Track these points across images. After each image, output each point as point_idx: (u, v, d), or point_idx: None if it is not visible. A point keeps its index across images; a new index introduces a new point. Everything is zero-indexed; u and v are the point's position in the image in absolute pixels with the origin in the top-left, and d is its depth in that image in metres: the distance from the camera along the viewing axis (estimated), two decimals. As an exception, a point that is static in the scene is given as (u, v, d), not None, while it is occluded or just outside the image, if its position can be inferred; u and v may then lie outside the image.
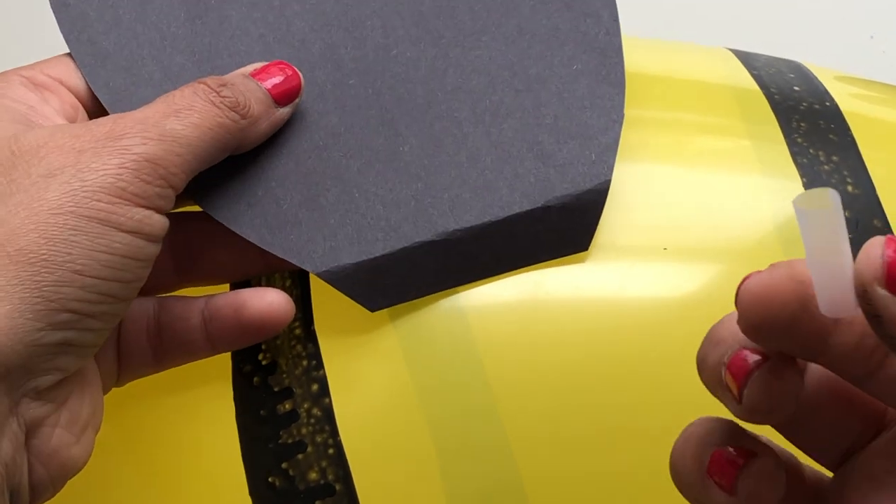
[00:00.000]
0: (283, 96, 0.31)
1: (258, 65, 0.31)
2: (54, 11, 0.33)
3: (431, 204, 0.31)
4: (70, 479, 0.27)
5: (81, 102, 0.31)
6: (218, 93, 0.28)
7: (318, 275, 0.30)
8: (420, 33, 0.33)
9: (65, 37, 0.32)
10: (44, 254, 0.24)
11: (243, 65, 0.32)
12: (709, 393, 0.23)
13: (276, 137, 0.31)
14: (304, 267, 0.30)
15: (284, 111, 0.31)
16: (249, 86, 0.30)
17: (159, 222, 0.27)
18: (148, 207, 0.26)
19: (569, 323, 0.31)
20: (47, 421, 0.25)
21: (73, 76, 0.31)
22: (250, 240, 0.30)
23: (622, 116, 0.32)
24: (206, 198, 0.31)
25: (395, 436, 0.30)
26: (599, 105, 0.32)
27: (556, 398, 0.30)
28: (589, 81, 0.32)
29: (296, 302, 0.32)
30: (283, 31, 0.33)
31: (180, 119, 0.27)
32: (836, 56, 0.60)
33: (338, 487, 0.30)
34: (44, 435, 0.25)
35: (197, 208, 0.31)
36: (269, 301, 0.29)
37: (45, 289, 0.24)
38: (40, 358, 0.24)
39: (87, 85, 0.31)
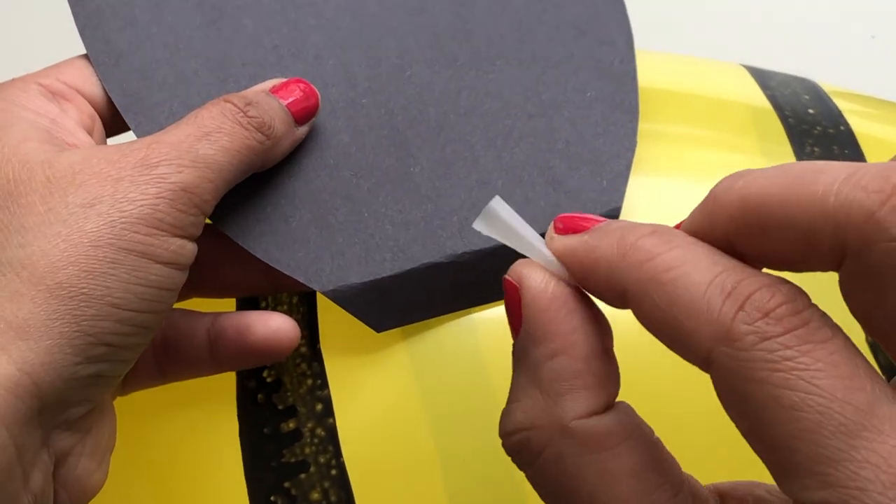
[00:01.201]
0: (302, 115, 0.30)
1: (277, 81, 0.31)
2: (71, 6, 0.32)
3: (441, 226, 0.31)
4: (89, 503, 0.27)
5: (97, 110, 0.31)
6: (245, 113, 0.28)
7: (325, 294, 0.30)
8: (435, 55, 0.33)
9: (80, 33, 0.32)
10: (83, 287, 0.23)
11: (256, 75, 0.32)
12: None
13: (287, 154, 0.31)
14: (310, 286, 0.30)
15: (303, 130, 0.31)
16: (272, 104, 0.29)
17: (191, 251, 0.27)
18: (183, 237, 0.26)
19: None
20: (74, 451, 0.25)
21: (89, 82, 0.31)
22: (257, 256, 0.30)
23: (634, 144, 0.32)
24: (216, 211, 0.30)
25: (400, 458, 0.30)
26: (612, 132, 0.32)
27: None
28: (602, 108, 0.32)
29: (302, 320, 0.32)
30: (297, 44, 0.33)
31: (211, 143, 0.27)
32: (836, 56, 0.59)
33: (340, 508, 0.30)
34: (70, 464, 0.25)
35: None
36: (276, 327, 0.29)
37: (83, 323, 0.23)
38: (75, 391, 0.24)
39: (103, 91, 0.31)
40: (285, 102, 0.30)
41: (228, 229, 0.30)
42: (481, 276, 0.31)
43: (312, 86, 0.31)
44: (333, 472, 0.30)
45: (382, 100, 0.32)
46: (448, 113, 0.32)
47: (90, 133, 0.29)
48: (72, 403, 0.24)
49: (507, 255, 0.31)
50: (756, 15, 0.63)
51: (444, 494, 0.29)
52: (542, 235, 0.22)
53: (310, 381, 0.31)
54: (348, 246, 0.30)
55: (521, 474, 0.29)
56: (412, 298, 0.31)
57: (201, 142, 0.26)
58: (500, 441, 0.29)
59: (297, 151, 0.31)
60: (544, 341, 0.20)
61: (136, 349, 0.26)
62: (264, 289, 0.32)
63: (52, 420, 0.24)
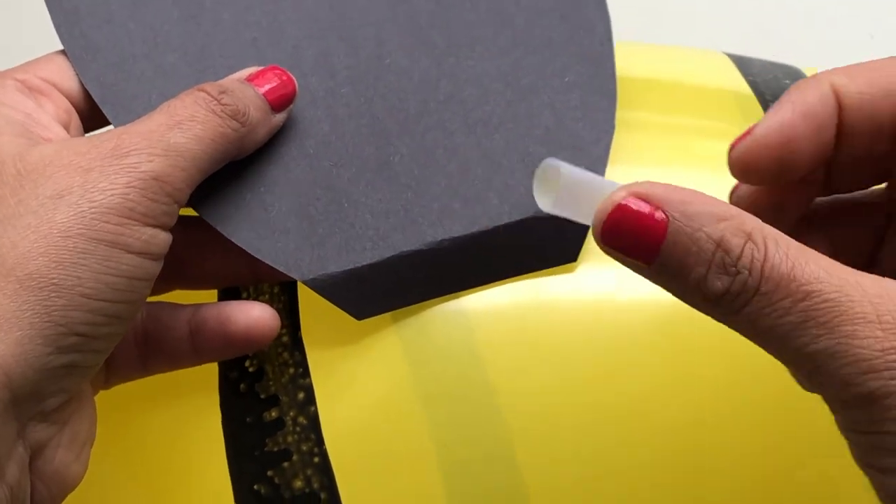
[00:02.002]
0: (279, 102, 0.30)
1: (253, 69, 0.31)
2: (47, 4, 0.32)
3: (420, 213, 0.31)
4: (69, 494, 0.27)
5: (74, 105, 0.31)
6: (219, 101, 0.28)
7: (306, 283, 0.30)
8: (414, 43, 0.33)
9: (56, 29, 0.32)
10: (53, 278, 0.23)
11: (235, 67, 0.32)
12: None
13: (266, 143, 0.31)
14: (291, 275, 0.30)
15: (280, 117, 0.31)
16: (247, 92, 0.29)
17: (164, 240, 0.27)
18: (154, 226, 0.26)
19: (571, 324, 0.31)
20: (51, 442, 0.25)
21: (66, 77, 0.31)
22: (238, 244, 0.30)
23: (613, 128, 0.32)
24: (197, 198, 0.30)
25: (382, 445, 0.30)
26: (591, 117, 0.32)
27: (560, 401, 0.30)
28: (581, 93, 0.32)
29: (283, 309, 0.32)
30: (276, 35, 0.33)
31: (183, 131, 0.27)
32: (836, 56, 0.59)
33: (323, 496, 0.30)
34: (47, 456, 0.25)
35: (187, 212, 0.31)
36: (256, 316, 0.29)
37: (53, 313, 0.23)
38: (48, 381, 0.24)
39: (80, 86, 0.31)
40: (261, 90, 0.30)
41: (209, 216, 0.30)
42: (461, 262, 0.31)
43: (289, 73, 0.31)
44: (316, 459, 0.30)
45: (362, 88, 0.32)
46: (427, 101, 0.32)
47: (67, 128, 0.29)
48: (46, 394, 0.24)
49: (486, 242, 0.31)
50: (754, 15, 0.63)
51: (428, 480, 0.29)
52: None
53: (291, 370, 0.31)
54: (328, 236, 0.31)
55: (507, 458, 0.29)
56: (392, 286, 0.31)
57: (173, 130, 0.26)
58: (480, 425, 0.30)
59: (277, 139, 0.31)
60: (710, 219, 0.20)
61: (110, 339, 0.26)
62: (246, 279, 0.32)
63: (27, 411, 0.24)
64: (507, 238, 0.31)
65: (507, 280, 0.31)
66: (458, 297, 0.32)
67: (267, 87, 0.30)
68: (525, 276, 0.31)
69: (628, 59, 0.35)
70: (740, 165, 0.24)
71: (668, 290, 0.22)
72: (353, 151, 0.32)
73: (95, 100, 0.31)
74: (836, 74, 0.24)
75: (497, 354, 0.31)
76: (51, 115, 0.29)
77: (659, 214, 0.21)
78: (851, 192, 0.27)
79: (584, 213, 0.23)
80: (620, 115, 0.33)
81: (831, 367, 0.19)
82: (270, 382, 0.31)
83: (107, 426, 0.31)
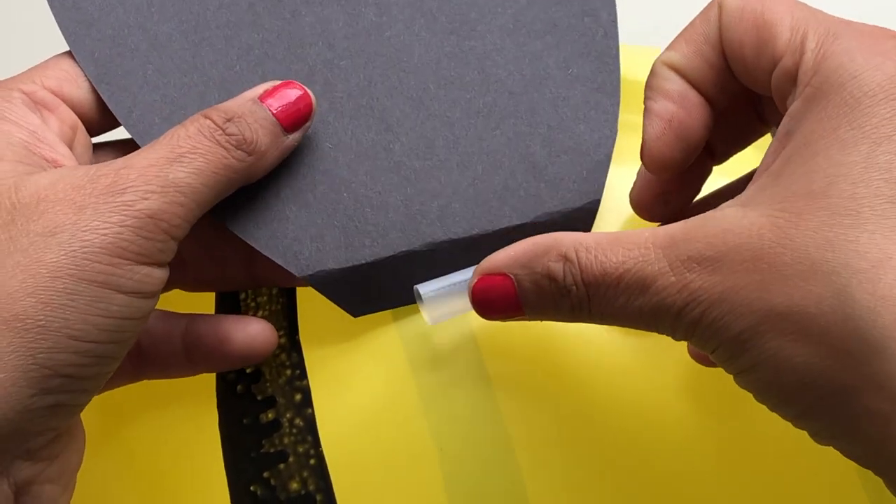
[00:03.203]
0: (293, 122, 0.29)
1: (269, 85, 0.29)
2: None
3: (420, 212, 0.31)
4: None
5: (82, 114, 0.30)
6: (224, 130, 0.27)
7: (303, 278, 0.30)
8: (414, 14, 0.32)
9: (49, 2, 0.31)
10: (40, 320, 0.23)
11: (231, 37, 0.31)
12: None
13: None
14: (288, 268, 0.30)
15: (294, 138, 0.29)
16: (258, 115, 0.28)
17: (159, 278, 0.26)
18: (149, 264, 0.25)
19: (570, 325, 0.31)
20: (38, 478, 0.25)
21: (74, 84, 0.30)
22: (235, 232, 0.30)
23: (615, 132, 0.31)
24: None
25: (378, 447, 0.30)
26: (593, 118, 0.31)
27: (560, 401, 0.30)
28: (584, 89, 0.32)
29: (281, 310, 0.32)
30: (273, 1, 0.32)
31: (184, 165, 0.26)
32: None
33: (318, 498, 0.29)
34: (34, 492, 0.25)
35: None
36: (253, 334, 0.29)
37: (38, 356, 0.23)
38: (32, 422, 0.23)
39: (88, 93, 0.30)
40: (275, 109, 0.28)
41: None
42: (460, 263, 0.31)
43: (307, 89, 0.29)
44: (312, 461, 0.30)
45: (361, 63, 0.31)
46: (427, 83, 0.32)
47: (71, 145, 0.29)
48: (31, 434, 0.24)
49: (484, 244, 0.31)
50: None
51: (423, 482, 0.29)
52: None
53: (289, 372, 0.31)
54: (327, 229, 0.30)
55: (505, 460, 0.29)
56: (389, 284, 0.30)
57: (173, 165, 0.25)
58: (474, 429, 0.29)
59: None
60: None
61: (99, 378, 0.25)
62: (244, 284, 0.32)
63: (11, 451, 0.24)
64: (507, 240, 0.31)
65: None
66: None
67: (281, 105, 0.28)
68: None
69: (632, 62, 0.35)
70: (659, 171, 0.27)
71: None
72: (353, 134, 0.31)
73: (91, 79, 0.30)
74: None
75: (496, 355, 0.31)
76: (56, 132, 0.28)
77: (505, 279, 0.25)
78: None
79: (463, 308, 0.29)
80: (623, 117, 0.33)
81: (665, 324, 0.23)
82: (268, 384, 0.31)
83: (103, 427, 0.31)
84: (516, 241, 0.31)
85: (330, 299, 0.30)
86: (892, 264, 0.20)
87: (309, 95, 0.29)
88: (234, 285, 0.32)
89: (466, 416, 0.30)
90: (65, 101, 0.29)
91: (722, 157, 0.30)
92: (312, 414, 0.30)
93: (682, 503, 0.30)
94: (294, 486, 0.30)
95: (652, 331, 0.23)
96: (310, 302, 0.31)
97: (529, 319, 0.25)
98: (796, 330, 0.20)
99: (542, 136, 0.31)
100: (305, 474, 0.30)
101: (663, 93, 0.27)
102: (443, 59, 0.32)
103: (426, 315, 0.29)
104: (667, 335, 0.23)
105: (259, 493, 0.30)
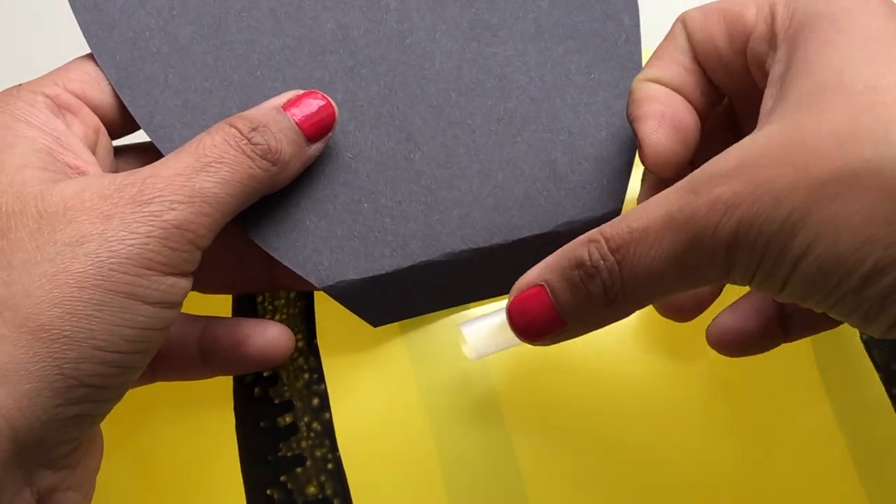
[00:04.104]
0: (316, 132, 0.29)
1: (292, 95, 0.29)
2: None
3: (440, 221, 0.30)
4: None
5: (104, 117, 0.30)
6: (249, 139, 0.26)
7: (323, 289, 0.30)
8: (436, 21, 0.32)
9: (71, 3, 0.31)
10: (66, 330, 0.23)
11: (253, 41, 0.31)
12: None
13: None
14: (309, 279, 0.30)
15: (316, 148, 0.29)
16: (282, 124, 0.28)
17: (184, 287, 0.26)
18: (175, 274, 0.25)
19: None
20: (60, 486, 0.25)
21: (96, 88, 0.29)
22: (255, 241, 0.30)
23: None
24: None
25: (395, 452, 0.30)
26: (615, 124, 0.31)
27: (563, 413, 0.31)
28: (606, 95, 0.31)
29: (299, 314, 0.32)
30: (294, 5, 0.31)
31: (210, 175, 0.25)
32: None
33: (336, 502, 0.30)
34: (56, 500, 0.25)
35: None
36: (270, 338, 0.29)
37: (65, 366, 0.23)
38: (56, 432, 0.23)
39: (110, 97, 0.30)
40: (298, 118, 0.28)
41: None
42: (480, 273, 0.31)
43: (330, 99, 0.29)
44: (330, 465, 0.30)
45: (382, 71, 0.31)
46: (448, 91, 0.31)
47: (94, 149, 0.28)
48: (54, 444, 0.24)
49: (503, 254, 0.31)
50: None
51: (440, 487, 0.30)
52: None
53: (306, 376, 0.31)
54: (347, 239, 0.30)
55: (519, 467, 0.30)
56: (410, 294, 0.30)
57: (199, 174, 0.25)
58: (496, 436, 0.30)
59: None
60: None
61: (122, 388, 0.25)
62: (263, 287, 0.32)
63: (35, 460, 0.24)
64: (527, 250, 0.31)
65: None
66: (468, 308, 0.32)
67: (304, 115, 0.28)
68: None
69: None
70: (661, 166, 0.27)
71: (590, 331, 0.25)
72: (373, 144, 0.31)
73: (112, 83, 0.30)
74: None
75: (501, 363, 0.31)
76: (79, 137, 0.28)
77: (538, 290, 0.24)
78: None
79: (507, 341, 0.28)
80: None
81: (706, 253, 0.22)
82: (285, 387, 0.31)
83: (120, 429, 0.31)
84: (537, 249, 0.31)
85: (350, 310, 0.30)
86: None
87: (332, 105, 0.29)
88: (252, 288, 0.32)
89: (470, 420, 0.30)
90: (87, 104, 0.29)
91: None
92: (330, 418, 0.30)
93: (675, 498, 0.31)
94: (311, 490, 0.30)
95: (695, 279, 0.22)
96: (328, 306, 0.31)
97: (574, 335, 0.25)
98: (847, 189, 0.20)
99: (563, 143, 0.31)
100: (323, 478, 0.30)
101: (648, 98, 0.27)
102: (464, 66, 0.31)
103: (470, 352, 0.29)
104: (709, 276, 0.22)
105: (276, 496, 0.30)
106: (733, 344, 0.28)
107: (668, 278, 0.22)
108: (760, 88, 0.25)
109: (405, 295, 0.30)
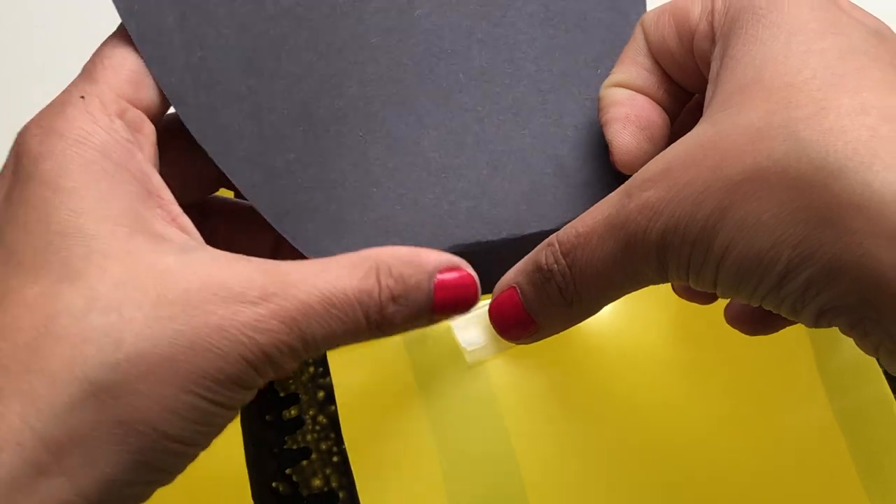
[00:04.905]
0: (441, 311, 0.26)
1: (453, 261, 0.26)
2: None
3: (449, 212, 0.30)
4: None
5: (151, 118, 0.27)
6: (382, 310, 0.24)
7: None
8: None
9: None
10: (161, 427, 0.22)
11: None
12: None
13: (293, 96, 0.29)
14: None
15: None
16: (420, 299, 0.25)
17: (254, 393, 0.25)
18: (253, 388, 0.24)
19: (574, 337, 0.32)
20: None
21: (143, 85, 0.27)
22: (267, 218, 0.28)
23: None
24: (217, 147, 0.28)
25: (401, 445, 0.30)
26: None
27: (561, 411, 0.31)
28: None
29: (305, 307, 0.32)
30: None
31: (323, 323, 0.23)
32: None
33: (342, 495, 0.30)
34: None
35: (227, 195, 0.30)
36: None
37: (149, 457, 0.22)
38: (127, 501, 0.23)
39: (156, 93, 0.27)
40: (438, 295, 0.25)
41: (240, 184, 0.28)
42: (483, 266, 0.30)
43: (478, 286, 0.26)
44: (335, 458, 0.30)
45: (393, 43, 0.30)
46: (458, 72, 0.31)
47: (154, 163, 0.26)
48: None
49: (509, 249, 0.31)
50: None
51: (444, 480, 0.30)
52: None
53: (312, 369, 0.31)
54: (357, 226, 0.29)
55: (518, 459, 0.30)
56: None
57: (311, 321, 0.23)
58: (498, 431, 0.30)
59: (306, 96, 0.29)
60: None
61: (188, 464, 0.25)
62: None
63: None
64: (532, 245, 0.30)
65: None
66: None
67: (447, 297, 0.25)
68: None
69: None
70: (632, 166, 0.26)
71: (561, 330, 0.26)
72: (384, 123, 0.30)
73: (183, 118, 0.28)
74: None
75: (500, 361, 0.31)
76: (151, 162, 0.25)
77: (510, 291, 0.26)
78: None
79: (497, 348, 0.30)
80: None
81: (640, 255, 0.22)
82: (290, 381, 0.31)
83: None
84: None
85: None
86: (832, 108, 0.20)
87: (475, 287, 0.26)
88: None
89: (473, 414, 0.30)
90: (142, 109, 0.26)
91: None
92: (335, 411, 0.30)
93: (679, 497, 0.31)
94: (317, 482, 0.30)
95: (637, 279, 0.23)
96: (333, 299, 0.31)
97: (547, 333, 0.25)
98: (757, 188, 0.20)
99: (569, 138, 0.31)
100: (328, 471, 0.30)
101: (613, 103, 0.27)
102: (473, 47, 0.31)
103: (467, 357, 0.30)
104: (647, 276, 0.23)
105: (281, 489, 0.30)
106: (750, 321, 0.28)
107: (615, 279, 0.23)
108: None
109: None
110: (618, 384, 0.31)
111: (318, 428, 0.30)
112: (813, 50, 0.22)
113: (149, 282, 0.23)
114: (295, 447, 0.30)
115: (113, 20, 0.29)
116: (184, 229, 0.25)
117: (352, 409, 0.31)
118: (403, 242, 0.30)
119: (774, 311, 0.22)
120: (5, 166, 0.25)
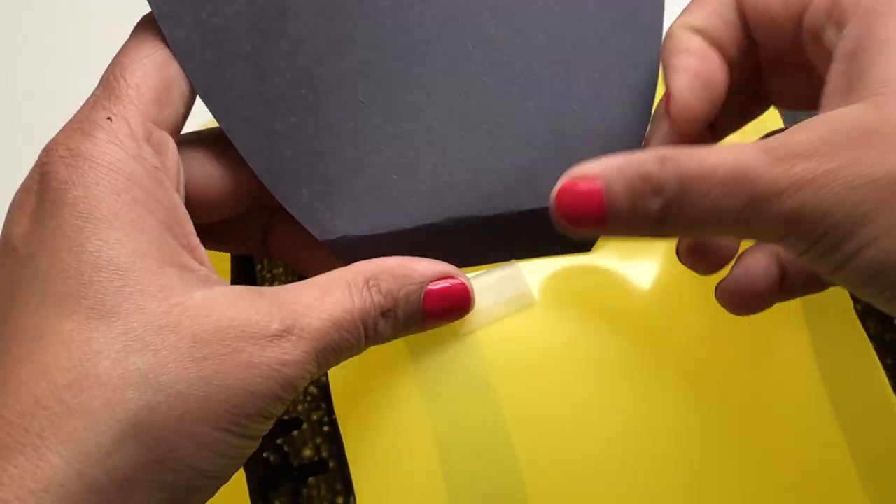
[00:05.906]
0: (432, 318, 0.28)
1: (445, 269, 0.28)
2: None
3: (448, 184, 0.30)
4: None
5: (172, 133, 0.27)
6: (375, 327, 0.26)
7: (322, 242, 0.29)
8: None
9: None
10: (192, 463, 0.23)
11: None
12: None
13: (298, 58, 0.29)
14: (308, 229, 0.29)
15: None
16: (411, 310, 0.27)
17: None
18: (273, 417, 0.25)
19: (571, 321, 0.31)
20: None
21: (166, 107, 0.26)
22: (261, 179, 0.28)
23: (649, 117, 0.30)
24: (228, 120, 0.28)
25: (391, 415, 0.30)
26: (629, 100, 0.30)
27: (558, 394, 0.30)
28: (622, 67, 0.30)
29: (295, 282, 0.32)
30: None
31: (336, 356, 0.26)
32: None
33: (331, 465, 0.29)
34: None
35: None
36: None
37: (181, 491, 0.23)
38: None
39: (182, 105, 0.27)
40: (427, 306, 0.28)
41: (241, 147, 0.28)
42: (479, 238, 0.30)
43: (472, 294, 0.29)
44: (326, 428, 0.30)
45: (403, 7, 0.30)
46: (465, 40, 0.30)
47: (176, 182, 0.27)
48: None
49: (507, 223, 0.30)
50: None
51: (436, 451, 0.29)
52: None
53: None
54: (352, 195, 0.29)
55: (511, 426, 0.29)
56: (407, 254, 0.30)
57: (326, 346, 0.25)
58: (491, 399, 0.30)
59: (311, 57, 0.29)
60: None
61: (211, 497, 0.25)
62: (259, 252, 0.31)
63: None
64: (528, 222, 0.30)
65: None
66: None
67: (438, 308, 0.28)
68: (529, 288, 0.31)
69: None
70: (688, 123, 0.26)
71: (626, 237, 0.24)
72: (388, 90, 0.29)
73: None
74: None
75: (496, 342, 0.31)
76: (175, 186, 0.26)
77: (593, 183, 0.23)
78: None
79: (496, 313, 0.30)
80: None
81: (760, 216, 0.21)
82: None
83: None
84: (539, 223, 0.31)
85: (346, 263, 0.29)
86: None
87: (468, 294, 0.29)
88: (251, 248, 0.31)
89: (465, 383, 0.30)
90: (164, 128, 0.26)
91: (721, 133, 0.30)
92: (326, 381, 0.30)
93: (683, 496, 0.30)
94: (307, 452, 0.30)
95: (743, 231, 0.22)
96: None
97: (607, 234, 0.24)
98: None
99: (575, 114, 0.30)
100: (319, 441, 0.30)
101: (685, 50, 0.27)
102: (484, 14, 0.30)
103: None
104: (765, 236, 0.22)
105: (272, 459, 0.30)
106: (746, 299, 0.28)
107: (724, 223, 0.22)
108: (810, 58, 0.25)
109: (403, 255, 0.30)
110: (619, 388, 0.31)
111: (308, 398, 0.30)
112: None
113: (182, 320, 0.23)
114: (286, 417, 0.30)
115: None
116: (201, 261, 0.26)
117: (343, 380, 0.30)
118: (399, 211, 0.29)
119: (891, 313, 0.22)
120: (28, 184, 0.25)
